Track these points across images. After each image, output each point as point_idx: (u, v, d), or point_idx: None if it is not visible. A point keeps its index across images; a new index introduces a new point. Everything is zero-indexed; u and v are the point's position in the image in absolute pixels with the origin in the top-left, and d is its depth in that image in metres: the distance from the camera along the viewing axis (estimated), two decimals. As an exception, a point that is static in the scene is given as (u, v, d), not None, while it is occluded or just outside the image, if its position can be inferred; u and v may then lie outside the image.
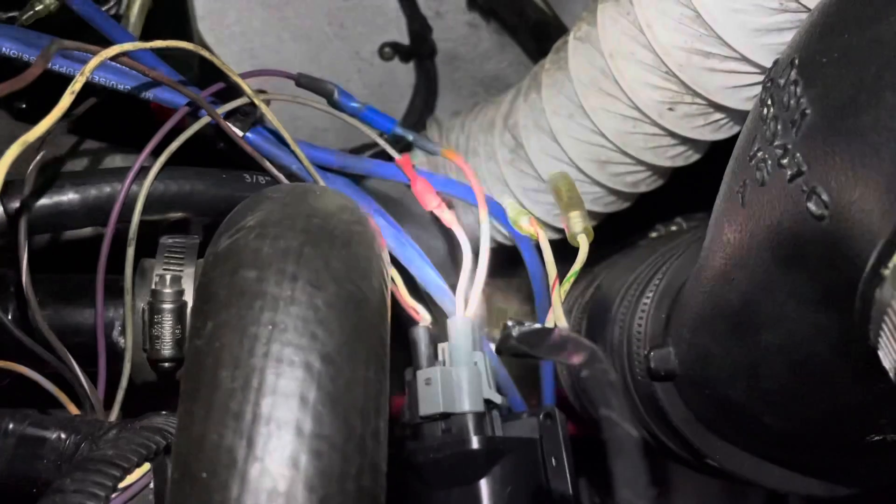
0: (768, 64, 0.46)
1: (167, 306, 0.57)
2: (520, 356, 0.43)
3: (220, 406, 0.37)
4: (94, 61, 0.51)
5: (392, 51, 1.11)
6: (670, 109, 0.70)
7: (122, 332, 0.59)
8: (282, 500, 0.35)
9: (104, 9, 0.65)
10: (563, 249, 0.60)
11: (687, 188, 0.82)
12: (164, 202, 0.60)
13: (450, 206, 0.68)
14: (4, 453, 0.48)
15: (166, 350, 0.57)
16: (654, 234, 0.90)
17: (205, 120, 0.60)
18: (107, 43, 0.56)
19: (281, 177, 0.62)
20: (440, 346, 0.62)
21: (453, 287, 0.66)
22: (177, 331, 0.57)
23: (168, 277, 0.58)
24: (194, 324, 0.41)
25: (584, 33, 0.74)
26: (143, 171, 0.59)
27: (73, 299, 0.61)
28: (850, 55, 0.40)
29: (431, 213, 0.67)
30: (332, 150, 0.65)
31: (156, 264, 0.59)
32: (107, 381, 0.57)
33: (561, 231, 0.85)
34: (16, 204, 0.57)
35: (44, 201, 0.58)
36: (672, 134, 0.72)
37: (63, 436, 0.48)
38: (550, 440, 0.60)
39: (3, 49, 0.58)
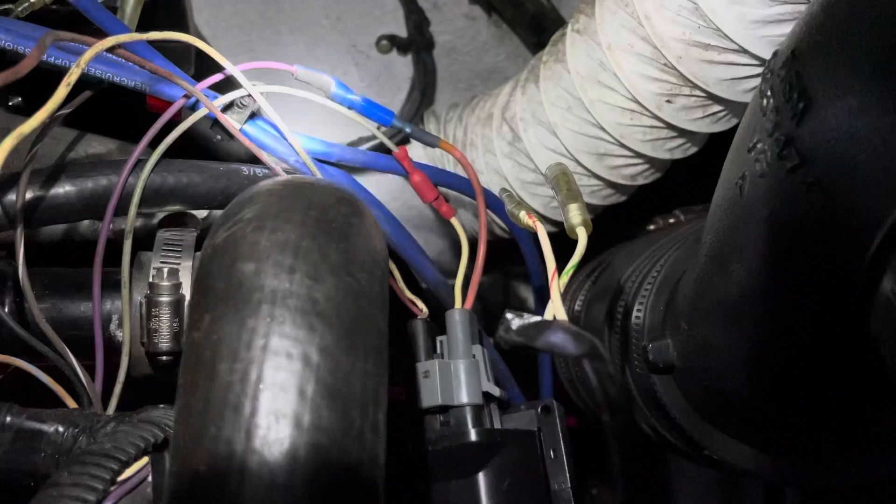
0: (767, 55, 0.46)
1: (165, 299, 0.57)
2: (519, 349, 0.43)
3: (219, 399, 0.37)
4: (89, 53, 0.51)
5: (390, 43, 1.10)
6: (669, 102, 0.69)
7: (120, 326, 0.59)
8: (280, 492, 0.35)
9: (100, 0, 0.64)
10: (562, 242, 0.59)
11: (685, 180, 0.82)
12: (161, 195, 0.60)
13: (447, 198, 0.68)
14: (2, 447, 0.48)
15: (164, 343, 0.57)
16: (652, 227, 0.90)
17: (202, 112, 0.60)
18: (103, 35, 0.56)
19: (279, 169, 0.62)
20: (438, 338, 0.62)
21: (451, 279, 0.66)
22: (174, 324, 0.57)
23: (165, 270, 0.58)
24: (192, 317, 0.41)
25: (583, 25, 0.74)
26: (140, 163, 0.59)
27: (71, 293, 0.60)
28: (850, 46, 0.39)
29: (430, 205, 0.67)
30: (329, 143, 0.65)
31: (153, 257, 0.59)
32: (104, 374, 0.57)
33: (559, 224, 0.84)
34: (12, 197, 0.57)
35: (40, 194, 0.58)
36: (670, 126, 0.72)
37: (61, 429, 0.48)
38: (549, 432, 0.60)
39: (-1, 41, 0.58)
